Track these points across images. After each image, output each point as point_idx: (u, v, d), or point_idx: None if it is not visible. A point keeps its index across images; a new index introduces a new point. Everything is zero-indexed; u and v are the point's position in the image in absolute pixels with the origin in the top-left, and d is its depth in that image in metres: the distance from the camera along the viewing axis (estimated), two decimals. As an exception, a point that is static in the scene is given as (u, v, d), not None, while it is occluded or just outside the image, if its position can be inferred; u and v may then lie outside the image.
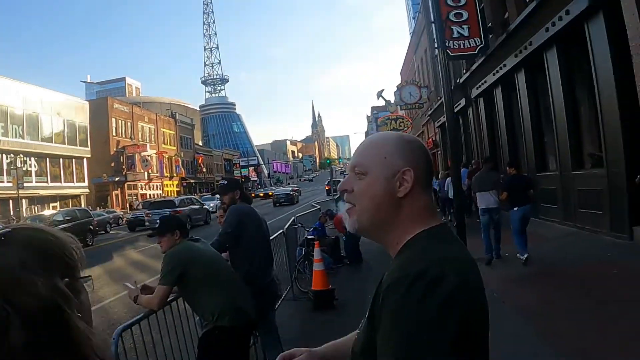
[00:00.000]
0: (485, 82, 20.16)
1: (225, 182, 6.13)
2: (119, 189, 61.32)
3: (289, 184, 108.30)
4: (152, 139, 70.10)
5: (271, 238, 9.59)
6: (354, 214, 1.53)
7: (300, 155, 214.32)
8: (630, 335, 5.81)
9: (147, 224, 32.00)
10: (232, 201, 5.80)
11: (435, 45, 9.58)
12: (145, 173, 63.88)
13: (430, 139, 38.48)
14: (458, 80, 23.93)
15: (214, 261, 4.80)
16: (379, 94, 42.33)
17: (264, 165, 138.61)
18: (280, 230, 10.68)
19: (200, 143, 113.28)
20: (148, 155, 64.58)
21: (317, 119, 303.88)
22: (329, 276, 10.66)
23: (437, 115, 32.78)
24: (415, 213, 1.48)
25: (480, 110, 22.47)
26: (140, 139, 66.10)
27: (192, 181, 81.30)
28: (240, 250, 5.60)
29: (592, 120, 13.27)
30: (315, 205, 18.63)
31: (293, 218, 13.47)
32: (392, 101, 39.94)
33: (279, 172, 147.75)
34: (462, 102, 24.58)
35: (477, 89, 21.55)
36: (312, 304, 9.53)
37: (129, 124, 65.20)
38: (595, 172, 12.42)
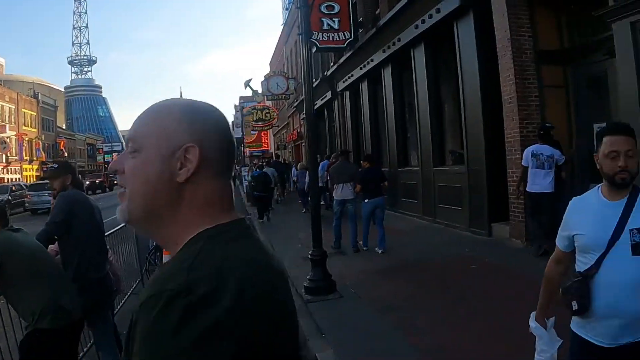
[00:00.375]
0: (352, 75, 19.86)
1: (56, 165, 5.49)
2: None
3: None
4: (12, 120, 63.67)
5: (118, 228, 8.75)
6: (124, 200, 1.19)
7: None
8: (487, 331, 5.54)
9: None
10: (63, 187, 5.01)
11: (299, 31, 8.87)
12: (4, 156, 58.08)
13: (295, 131, 38.08)
14: (325, 73, 23.56)
15: (35, 254, 4.14)
16: (247, 84, 41.16)
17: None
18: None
19: (63, 126, 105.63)
20: (7, 137, 58.73)
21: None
22: None
23: (302, 106, 32.30)
24: (201, 204, 1.17)
25: (345, 103, 22.21)
26: (0, 120, 59.94)
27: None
28: (70, 241, 4.90)
29: (455, 119, 13.24)
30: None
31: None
32: (260, 91, 39.01)
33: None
34: (328, 94, 24.25)
35: (343, 82, 21.22)
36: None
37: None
38: (456, 169, 12.38)
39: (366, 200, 10.50)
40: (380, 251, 10.25)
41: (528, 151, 8.73)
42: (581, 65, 9.90)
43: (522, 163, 8.83)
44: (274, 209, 20.61)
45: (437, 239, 11.38)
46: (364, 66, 18.05)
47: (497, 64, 10.20)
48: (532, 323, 2.99)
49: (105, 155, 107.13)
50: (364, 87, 19.17)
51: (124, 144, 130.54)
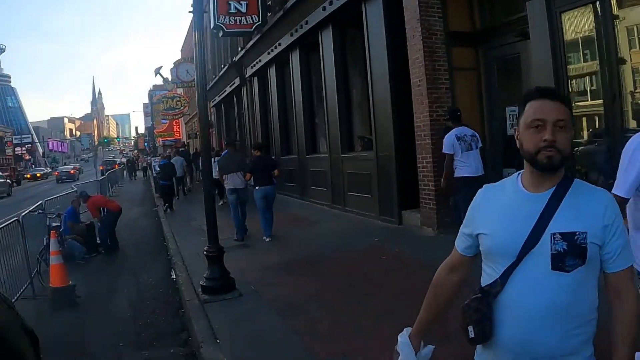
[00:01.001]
0: (260, 61, 18.61)
1: None
2: None
3: (65, 163, 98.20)
4: None
5: (2, 226, 7.92)
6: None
7: (78, 133, 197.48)
8: (396, 334, 4.58)
9: None
10: None
11: (190, 10, 7.67)
12: None
13: (206, 119, 36.39)
14: (234, 59, 22.16)
15: None
16: (157, 71, 38.84)
17: (39, 144, 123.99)
18: (15, 218, 8.46)
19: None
20: None
21: (97, 96, 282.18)
22: (79, 268, 9.57)
23: (212, 94, 30.74)
24: None
25: (254, 89, 20.92)
26: None
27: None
28: None
29: (363, 103, 12.38)
30: (74, 187, 15.56)
31: (40, 202, 10.66)
32: (170, 79, 36.98)
33: (56, 152, 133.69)
34: (237, 81, 22.87)
35: (252, 67, 19.94)
36: (50, 303, 7.51)
37: None
38: (365, 155, 11.51)
39: (257, 188, 10.30)
40: (268, 239, 10.13)
41: (451, 137, 7.87)
42: (493, 48, 9.22)
43: (445, 151, 7.91)
44: (184, 199, 20.59)
45: (346, 228, 10.48)
46: (272, 50, 16.88)
47: (406, 46, 9.38)
48: (402, 338, 2.19)
49: (15, 149, 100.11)
50: (272, 72, 17.99)
51: (34, 135, 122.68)
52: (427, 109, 8.91)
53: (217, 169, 11.46)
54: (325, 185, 13.59)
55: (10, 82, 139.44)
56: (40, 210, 9.49)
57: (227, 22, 17.35)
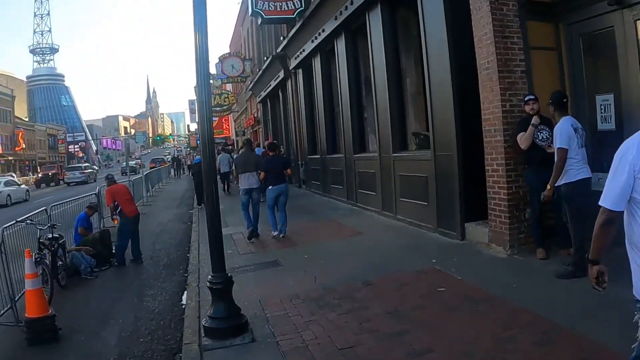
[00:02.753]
0: (303, 50, 17.20)
1: None
2: None
3: (118, 161, 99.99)
4: (-34, 112, 59.51)
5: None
6: None
7: (133, 131, 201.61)
8: None
9: None
10: None
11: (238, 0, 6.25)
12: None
13: (252, 115, 35.30)
14: (277, 50, 20.83)
15: None
16: (204, 68, 38.04)
17: (92, 142, 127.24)
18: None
19: (25, 117, 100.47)
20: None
21: (151, 95, 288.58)
22: (80, 286, 8.83)
23: (258, 89, 29.59)
24: None
25: (299, 82, 19.53)
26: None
27: (10, 158, 70.60)
28: None
29: (418, 95, 10.83)
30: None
31: (43, 209, 9.63)
32: (215, 74, 36.04)
33: (109, 149, 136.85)
34: (281, 74, 21.53)
35: (295, 58, 18.55)
36: (26, 336, 6.22)
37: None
38: (421, 154, 9.90)
39: (270, 187, 10.52)
40: (281, 235, 10.42)
41: (567, 126, 6.17)
42: (579, 21, 7.44)
43: (561, 145, 6.13)
44: (225, 196, 19.96)
45: (397, 242, 8.89)
46: (315, 38, 15.44)
47: (470, 21, 7.74)
48: None
49: (68, 146, 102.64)
50: (317, 62, 16.54)
51: (87, 133, 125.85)
52: (498, 97, 7.24)
53: (234, 166, 12.08)
54: (374, 188, 12.05)
55: (64, 81, 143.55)
56: (28, 221, 8.33)
57: (266, 8, 16.16)
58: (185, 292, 7.73)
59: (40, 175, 55.34)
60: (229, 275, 5.51)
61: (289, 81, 20.96)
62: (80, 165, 62.00)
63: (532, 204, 7.04)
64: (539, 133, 6.84)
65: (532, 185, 7.00)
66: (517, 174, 7.27)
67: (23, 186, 36.33)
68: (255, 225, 10.76)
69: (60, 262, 8.75)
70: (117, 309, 7.35)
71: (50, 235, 8.52)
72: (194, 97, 44.75)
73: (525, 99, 6.96)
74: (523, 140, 6.88)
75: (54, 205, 10.59)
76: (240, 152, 12.86)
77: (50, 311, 6.23)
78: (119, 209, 10.18)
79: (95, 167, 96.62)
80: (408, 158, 10.41)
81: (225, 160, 20.94)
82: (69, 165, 64.14)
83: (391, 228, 10.20)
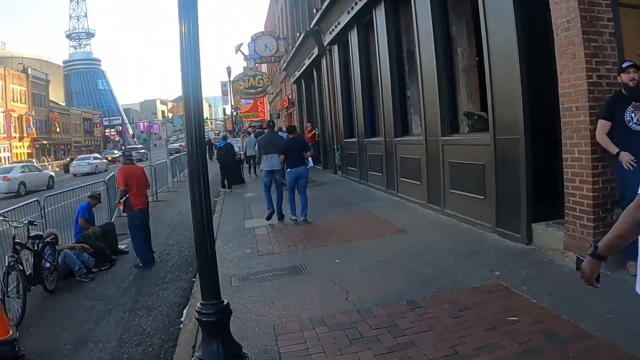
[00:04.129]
0: (339, 23, 15.71)
1: None
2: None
3: (155, 145, 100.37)
4: (-1, 96, 59.95)
5: None
6: None
7: (170, 115, 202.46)
8: None
9: None
10: None
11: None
12: (-13, 133, 54.56)
13: (287, 97, 33.96)
14: (310, 25, 19.38)
15: None
16: (237, 48, 36.78)
17: (128, 125, 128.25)
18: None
19: (62, 101, 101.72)
20: (-8, 114, 55.14)
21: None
22: (69, 290, 7.84)
23: (291, 69, 28.18)
24: None
25: (334, 59, 18.05)
26: (-15, 96, 56.13)
27: (45, 142, 71.23)
28: None
29: (471, 68, 9.37)
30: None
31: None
32: (247, 54, 34.78)
33: (145, 132, 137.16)
34: (315, 51, 20.09)
35: (330, 33, 17.06)
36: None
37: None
38: (476, 138, 8.41)
39: (289, 170, 10.63)
40: (302, 218, 10.49)
41: None
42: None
43: None
44: (252, 179, 21.03)
45: (448, 245, 7.45)
46: (352, 9, 13.94)
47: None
48: None
49: (105, 130, 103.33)
50: (353, 36, 15.03)
51: (124, 117, 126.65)
52: (583, 66, 5.71)
53: (256, 148, 12.77)
54: (418, 177, 10.59)
55: (100, 65, 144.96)
56: (1, 217, 7.23)
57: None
58: (187, 306, 6.48)
59: (68, 159, 54.30)
60: (225, 302, 4.19)
61: (324, 59, 19.50)
62: (131, 148, 59.00)
63: (624, 203, 5.50)
64: (632, 114, 5.32)
65: (623, 180, 5.47)
66: (604, 165, 5.75)
67: (46, 172, 32.84)
68: (278, 208, 10.95)
69: (49, 264, 7.63)
70: (103, 326, 6.17)
71: (33, 234, 7.39)
72: (227, 79, 43.79)
73: (624, 65, 5.41)
74: (599, 132, 5.44)
75: (49, 197, 9.49)
76: (263, 134, 13.03)
77: (10, 333, 5.04)
78: (126, 196, 8.95)
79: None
80: (460, 142, 8.92)
81: (251, 143, 21.19)
82: (105, 150, 60.38)
83: (439, 225, 8.74)
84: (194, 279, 7.55)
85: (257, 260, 7.71)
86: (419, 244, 7.62)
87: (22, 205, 8.80)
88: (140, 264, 8.82)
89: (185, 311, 6.27)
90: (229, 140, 22.13)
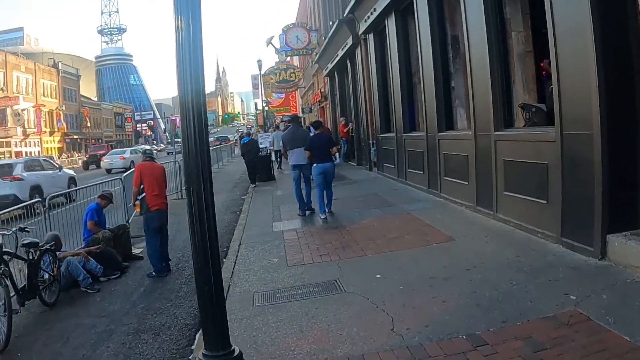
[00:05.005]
0: (374, 10, 14.72)
1: None
2: (-12, 147, 52.02)
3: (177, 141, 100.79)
4: (30, 91, 60.45)
5: None
6: None
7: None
8: None
9: None
10: None
11: None
12: (18, 128, 54.85)
13: (319, 90, 33.07)
14: (344, 13, 18.42)
15: None
16: (268, 41, 35.97)
17: (160, 120, 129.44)
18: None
19: (94, 96, 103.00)
20: (22, 109, 55.40)
21: (220, 74, 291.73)
22: (70, 304, 7.09)
23: (324, 61, 27.25)
24: None
25: (369, 49, 17.05)
26: (15, 91, 56.51)
27: (76, 137, 71.91)
28: None
29: (528, 53, 8.33)
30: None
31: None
32: (279, 46, 33.97)
33: (178, 127, 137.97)
34: (349, 41, 19.11)
35: (365, 21, 16.08)
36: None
37: (1, 74, 55.31)
38: (538, 133, 7.39)
39: (314, 165, 10.56)
40: (326, 212, 10.38)
41: None
42: None
43: None
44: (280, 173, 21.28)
45: (507, 257, 6.47)
46: (390, -7, 12.96)
47: None
48: None
49: (137, 125, 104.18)
50: (391, 23, 14.01)
51: (156, 112, 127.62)
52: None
53: (280, 144, 13.05)
54: (465, 176, 9.60)
55: (132, 60, 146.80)
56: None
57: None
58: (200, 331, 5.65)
59: (88, 156, 53.03)
60: (236, 353, 3.33)
61: (358, 49, 18.52)
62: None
63: None
64: None
65: None
66: None
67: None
68: (308, 204, 11.10)
69: (48, 274, 6.91)
70: (100, 352, 5.42)
71: (26, 241, 6.66)
72: (257, 72, 43.06)
73: None
74: None
75: (55, 197, 8.76)
76: (288, 129, 13.06)
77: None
78: (142, 195, 8.19)
79: (162, 144, 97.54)
80: (517, 138, 7.88)
81: (277, 138, 21.30)
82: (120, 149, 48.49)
83: (492, 232, 7.74)
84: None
85: (285, 273, 6.85)
86: (472, 256, 6.65)
87: (23, 206, 8.08)
88: (154, 273, 8.08)
89: (197, 337, 5.43)
90: (252, 136, 22.43)
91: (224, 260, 8.22)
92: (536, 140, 7.23)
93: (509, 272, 5.84)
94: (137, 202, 8.27)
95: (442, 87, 10.94)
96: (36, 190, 18.23)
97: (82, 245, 8.91)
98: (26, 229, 7.07)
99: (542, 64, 8.01)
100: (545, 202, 6.95)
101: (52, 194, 9.13)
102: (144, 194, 8.11)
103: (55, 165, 23.55)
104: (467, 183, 9.54)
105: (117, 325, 6.14)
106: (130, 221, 10.70)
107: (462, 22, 9.23)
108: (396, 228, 8.79)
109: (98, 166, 42.70)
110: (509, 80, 8.49)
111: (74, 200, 12.06)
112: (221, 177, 22.96)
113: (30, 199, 15.01)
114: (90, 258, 7.99)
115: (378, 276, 6.19)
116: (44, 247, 7.03)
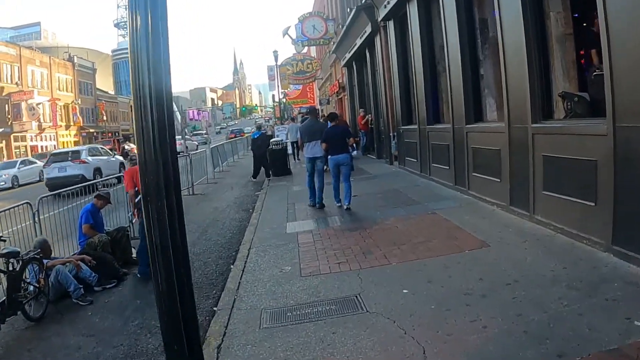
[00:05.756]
0: (395, -6, 13.91)
1: None
2: (3, 141, 51.65)
3: (206, 132, 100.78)
4: (45, 85, 60.26)
5: None
6: None
7: (220, 103, 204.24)
8: None
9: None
10: None
11: None
12: (33, 122, 54.68)
13: (337, 81, 32.24)
14: (362, 0, 17.57)
15: None
16: (285, 32, 35.16)
17: (177, 113, 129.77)
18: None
19: (112, 90, 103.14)
20: (37, 103, 55.20)
21: (238, 66, 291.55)
22: (64, 319, 6.41)
23: (341, 51, 26.41)
24: None
25: (390, 37, 16.19)
26: (30, 85, 56.35)
27: (92, 130, 71.64)
28: None
29: (567, 35, 7.49)
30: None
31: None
32: (295, 37, 33.15)
33: (196, 120, 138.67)
34: (368, 28, 18.25)
35: (385, 7, 15.20)
36: None
37: (16, 68, 55.12)
38: (584, 126, 6.56)
39: (330, 157, 10.64)
40: (345, 205, 10.45)
41: None
42: None
43: None
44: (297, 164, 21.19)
45: (550, 268, 5.68)
46: (412, -25, 12.12)
47: None
48: None
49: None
50: (413, 8, 13.15)
51: (173, 105, 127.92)
52: None
53: (298, 135, 13.38)
54: (497, 173, 8.79)
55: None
56: None
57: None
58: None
59: None
60: None
61: (378, 37, 17.66)
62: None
63: None
64: None
65: None
66: None
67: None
68: (320, 196, 11.08)
69: (33, 286, 6.27)
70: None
71: (4, 250, 6.02)
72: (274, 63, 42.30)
73: None
74: None
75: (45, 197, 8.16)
76: (305, 121, 13.17)
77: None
78: (139, 198, 7.55)
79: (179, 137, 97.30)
80: (558, 131, 7.05)
81: (293, 130, 21.41)
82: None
83: (530, 237, 6.93)
84: (214, 308, 6.00)
85: (299, 285, 6.13)
86: (511, 266, 5.86)
87: (10, 208, 7.44)
88: (138, 275, 7.49)
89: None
90: (263, 130, 22.00)
91: (232, 267, 7.53)
92: (583, 133, 6.40)
93: (557, 288, 5.05)
94: (136, 209, 7.68)
95: (470, 75, 10.10)
96: (97, 171, 23.36)
97: (78, 250, 8.28)
98: (2, 238, 6.43)
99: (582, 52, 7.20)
100: (593, 204, 6.13)
101: (43, 196, 8.47)
102: (140, 196, 7.45)
103: (109, 152, 29.14)
104: (499, 180, 8.72)
105: (105, 347, 5.46)
106: (133, 222, 10.06)
107: (494, 2, 8.40)
108: (422, 230, 8.02)
109: None
110: (548, 67, 7.63)
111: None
112: (236, 171, 22.33)
113: (94, 179, 19.35)
114: (83, 266, 7.34)
115: (405, 291, 5.44)
116: (28, 257, 6.37)
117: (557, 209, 6.97)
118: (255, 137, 19.99)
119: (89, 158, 23.88)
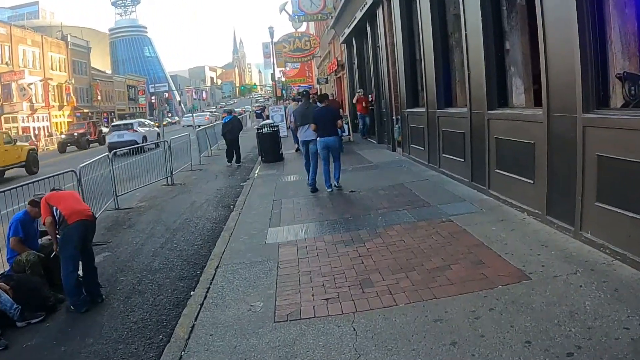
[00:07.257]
0: (401, -43, 12.04)
1: None
2: (-7, 123, 50.01)
3: (203, 111, 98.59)
4: (37, 65, 58.33)
5: None
6: None
7: (219, 81, 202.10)
8: None
9: None
10: None
11: None
12: (24, 103, 52.91)
13: (335, 59, 30.33)
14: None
15: None
16: (282, 8, 33.24)
17: (175, 92, 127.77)
18: None
19: (109, 69, 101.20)
20: (29, 84, 53.37)
21: (238, 45, 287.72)
22: None
23: (340, 26, 24.48)
24: None
25: (394, 9, 14.31)
26: (22, 65, 54.45)
27: (86, 110, 69.76)
28: None
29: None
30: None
31: None
32: (291, 12, 31.20)
33: (194, 99, 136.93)
34: (369, 0, 16.38)
35: (389, -27, 13.39)
36: None
37: (7, 47, 53.19)
38: (620, 118, 4.84)
39: (319, 139, 10.64)
40: (334, 184, 10.59)
41: None
42: None
43: None
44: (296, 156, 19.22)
45: (618, 320, 4.03)
46: None
47: None
48: None
49: (151, 97, 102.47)
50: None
51: (171, 84, 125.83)
52: None
53: (292, 119, 14.16)
54: (530, 172, 7.07)
55: (146, 32, 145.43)
56: None
57: None
58: None
59: (64, 135, 45.65)
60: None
61: (380, 9, 15.77)
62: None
63: None
64: None
65: None
66: None
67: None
68: (312, 177, 11.04)
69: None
70: None
71: None
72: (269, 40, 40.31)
73: None
74: None
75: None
76: (298, 105, 13.37)
77: None
78: (61, 220, 5.93)
79: (176, 117, 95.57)
80: (618, 124, 5.26)
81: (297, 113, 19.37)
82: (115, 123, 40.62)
83: (582, 265, 5.19)
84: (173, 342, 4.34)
85: (269, 338, 4.44)
86: (567, 317, 4.15)
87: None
88: (72, 307, 5.86)
89: None
90: (233, 115, 21.79)
91: (192, 293, 5.88)
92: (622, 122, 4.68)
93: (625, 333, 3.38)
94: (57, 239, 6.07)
95: (494, 50, 8.30)
96: (145, 139, 30.38)
97: (7, 269, 6.62)
98: None
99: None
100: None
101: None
102: (61, 217, 5.86)
103: (152, 124, 39.29)
104: (531, 182, 7.00)
105: None
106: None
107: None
108: (436, 248, 6.31)
109: (79, 148, 41.18)
110: (604, 40, 5.85)
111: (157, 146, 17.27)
112: (222, 159, 20.45)
113: (143, 143, 25.47)
114: (2, 294, 5.69)
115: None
116: None
117: (615, 228, 5.25)
118: (226, 121, 20.25)
119: (139, 128, 32.57)
